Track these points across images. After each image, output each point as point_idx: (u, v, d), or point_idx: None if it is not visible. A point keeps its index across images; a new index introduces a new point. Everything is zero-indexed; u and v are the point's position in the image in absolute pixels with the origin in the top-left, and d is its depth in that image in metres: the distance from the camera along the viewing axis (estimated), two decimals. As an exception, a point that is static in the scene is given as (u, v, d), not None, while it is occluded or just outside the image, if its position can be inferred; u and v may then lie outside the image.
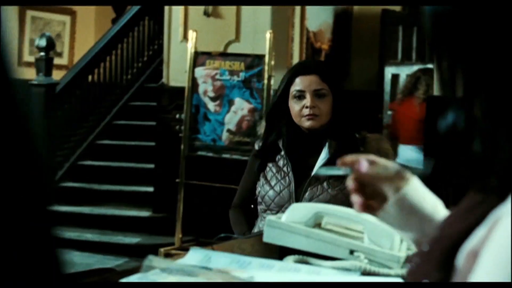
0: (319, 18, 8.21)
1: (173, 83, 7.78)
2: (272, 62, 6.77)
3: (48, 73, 8.07)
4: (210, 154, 7.12)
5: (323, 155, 3.09)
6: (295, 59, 7.78)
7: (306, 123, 3.10)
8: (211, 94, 7.05)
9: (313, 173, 3.07)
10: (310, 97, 3.09)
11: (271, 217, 1.91)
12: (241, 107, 6.94)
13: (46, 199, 0.64)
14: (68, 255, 2.18)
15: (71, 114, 8.67)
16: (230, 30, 7.44)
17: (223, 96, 7.00)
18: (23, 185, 0.61)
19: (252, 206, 3.32)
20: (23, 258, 0.61)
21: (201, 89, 7.08)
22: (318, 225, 1.87)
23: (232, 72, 6.97)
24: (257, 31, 7.15)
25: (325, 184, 3.05)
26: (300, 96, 3.11)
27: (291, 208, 1.92)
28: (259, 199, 3.22)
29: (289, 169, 3.14)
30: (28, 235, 0.62)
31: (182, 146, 7.17)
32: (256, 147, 3.32)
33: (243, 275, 1.64)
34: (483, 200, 0.98)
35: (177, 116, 7.54)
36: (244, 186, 3.39)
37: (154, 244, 6.82)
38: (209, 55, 7.06)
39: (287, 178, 3.13)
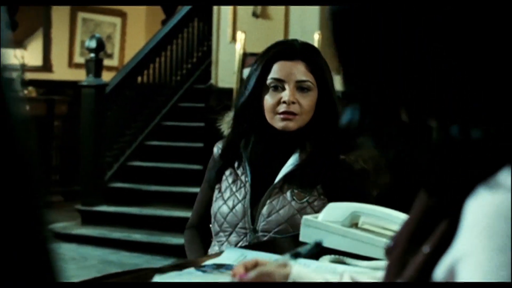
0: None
1: (221, 84, 7.79)
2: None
3: (97, 75, 8.14)
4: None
5: (291, 161, 2.51)
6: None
7: (280, 123, 2.49)
8: (259, 95, 7.04)
9: (275, 182, 2.49)
10: (291, 90, 2.48)
11: (307, 216, 1.90)
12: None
13: (35, 199, 0.63)
14: (116, 255, 2.19)
15: (121, 115, 8.72)
16: (279, 31, 7.42)
17: (271, 97, 6.99)
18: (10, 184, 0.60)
19: (210, 225, 2.69)
20: (15, 258, 0.60)
21: (249, 90, 7.08)
22: (355, 225, 1.85)
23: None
24: (305, 32, 7.12)
25: (288, 195, 2.46)
26: (277, 87, 2.50)
27: (327, 207, 1.90)
28: (212, 217, 2.62)
29: (247, 179, 2.55)
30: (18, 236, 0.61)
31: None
32: (215, 149, 2.72)
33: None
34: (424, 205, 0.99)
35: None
36: (201, 201, 2.78)
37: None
38: (257, 56, 7.05)
39: (242, 190, 2.54)
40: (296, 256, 1.43)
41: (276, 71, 2.50)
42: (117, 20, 11.83)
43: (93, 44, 8.12)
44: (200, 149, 8.36)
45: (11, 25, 9.54)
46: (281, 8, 7.43)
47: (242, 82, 7.11)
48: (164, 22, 10.52)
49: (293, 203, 2.43)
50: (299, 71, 2.50)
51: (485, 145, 0.87)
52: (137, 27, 12.04)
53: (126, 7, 11.84)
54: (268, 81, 2.51)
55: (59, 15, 10.55)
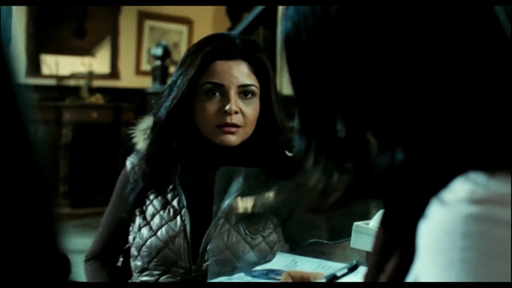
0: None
1: (286, 91, 7.78)
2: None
3: (163, 82, 8.21)
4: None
5: (236, 186, 2.07)
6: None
7: (220, 137, 2.04)
8: (324, 103, 7.06)
9: (220, 211, 2.04)
10: (233, 97, 2.03)
11: (358, 223, 1.89)
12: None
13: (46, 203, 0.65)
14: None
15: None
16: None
17: (335, 105, 7.00)
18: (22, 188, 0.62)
19: (121, 258, 2.27)
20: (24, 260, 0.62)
21: (313, 97, 7.10)
22: (406, 231, 1.84)
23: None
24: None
25: (239, 228, 2.04)
26: (215, 92, 2.04)
27: (379, 214, 1.88)
28: (133, 250, 2.11)
29: (182, 205, 2.07)
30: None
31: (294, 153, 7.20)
32: (129, 165, 2.19)
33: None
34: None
35: (293, 124, 7.55)
36: (108, 227, 2.26)
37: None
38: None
39: (178, 219, 2.05)
40: (332, 279, 1.44)
41: (214, 73, 2.04)
42: (184, 28, 11.93)
43: (159, 51, 8.20)
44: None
45: (80, 34, 9.72)
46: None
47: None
48: (230, 30, 10.58)
49: (248, 238, 2.04)
50: (241, 73, 2.05)
51: (428, 166, 0.89)
52: (204, 35, 12.11)
53: (193, 15, 11.94)
54: (203, 85, 2.04)
55: (127, 23, 10.71)
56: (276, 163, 2.09)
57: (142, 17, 11.19)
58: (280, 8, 7.82)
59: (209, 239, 2.02)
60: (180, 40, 11.98)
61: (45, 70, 9.26)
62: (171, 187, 2.11)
